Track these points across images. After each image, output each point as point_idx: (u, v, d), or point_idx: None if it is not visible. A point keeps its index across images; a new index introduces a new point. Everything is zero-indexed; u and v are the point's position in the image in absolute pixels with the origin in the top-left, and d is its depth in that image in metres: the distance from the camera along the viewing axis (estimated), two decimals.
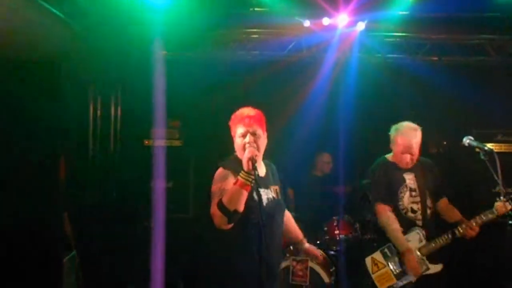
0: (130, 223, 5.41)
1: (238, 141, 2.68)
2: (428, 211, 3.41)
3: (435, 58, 5.49)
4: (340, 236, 4.71)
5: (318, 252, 3.23)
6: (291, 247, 4.50)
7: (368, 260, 3.44)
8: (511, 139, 5.23)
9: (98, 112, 5.66)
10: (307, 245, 3.14)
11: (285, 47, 5.53)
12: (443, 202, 3.54)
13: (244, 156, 2.51)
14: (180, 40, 5.46)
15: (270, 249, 2.57)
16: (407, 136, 3.39)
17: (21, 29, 3.80)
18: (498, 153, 5.05)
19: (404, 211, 3.39)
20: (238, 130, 2.69)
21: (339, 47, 5.29)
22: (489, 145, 5.04)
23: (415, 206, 3.39)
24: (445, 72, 5.29)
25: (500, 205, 3.12)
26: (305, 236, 3.15)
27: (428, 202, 3.42)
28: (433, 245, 3.30)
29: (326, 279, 4.25)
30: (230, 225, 2.52)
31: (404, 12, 5.06)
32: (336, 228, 4.73)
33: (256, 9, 5.15)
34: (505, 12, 4.87)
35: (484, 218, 3.21)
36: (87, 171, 5.46)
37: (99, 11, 4.82)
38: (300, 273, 4.20)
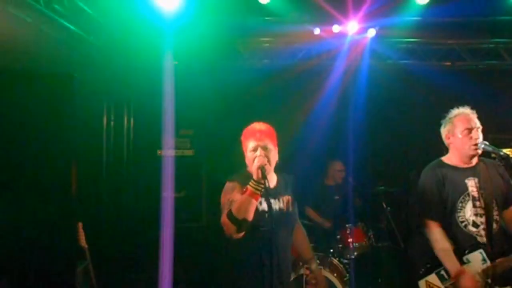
0: (144, 233, 5.42)
1: (249, 155, 2.70)
2: (495, 226, 2.87)
3: (448, 63, 5.45)
4: (354, 244, 4.65)
5: (321, 280, 3.21)
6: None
7: (422, 283, 2.98)
8: None
9: (112, 124, 5.73)
10: (314, 266, 3.14)
11: (295, 55, 5.56)
12: (509, 212, 2.97)
13: (254, 165, 2.54)
14: (192, 50, 5.54)
15: (278, 258, 2.56)
16: (467, 114, 2.94)
17: (36, 43, 3.89)
18: None
19: (463, 224, 2.88)
20: (249, 145, 2.71)
21: (350, 54, 5.29)
22: (505, 151, 5.10)
23: (478, 220, 2.87)
24: (459, 77, 5.23)
25: None
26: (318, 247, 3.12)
27: (495, 214, 2.88)
28: (501, 265, 2.79)
29: (340, 287, 4.20)
30: (241, 234, 2.55)
31: (416, 18, 5.05)
32: (350, 236, 4.68)
33: (266, 18, 5.20)
34: None
35: None
36: (102, 182, 5.52)
37: (113, 25, 4.93)
38: (314, 281, 4.14)
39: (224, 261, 2.87)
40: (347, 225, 4.73)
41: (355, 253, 4.65)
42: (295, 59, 5.55)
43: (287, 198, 2.79)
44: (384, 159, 5.38)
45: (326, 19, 5.09)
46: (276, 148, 2.76)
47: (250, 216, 2.51)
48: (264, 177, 2.49)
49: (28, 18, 3.70)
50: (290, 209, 2.79)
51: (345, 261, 4.62)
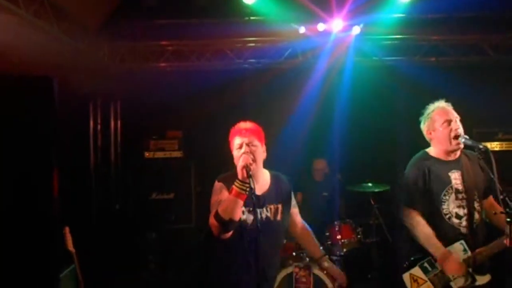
0: (132, 235, 5.41)
1: (235, 153, 2.68)
2: (476, 216, 2.93)
3: (433, 59, 5.50)
4: (342, 240, 4.67)
5: (338, 273, 3.17)
6: (294, 253, 4.48)
7: (406, 277, 3.00)
8: (511, 137, 5.17)
9: (99, 126, 5.70)
10: (326, 264, 3.11)
11: (281, 54, 5.57)
12: (488, 202, 3.05)
13: (238, 165, 2.52)
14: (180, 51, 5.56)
15: (263, 264, 2.54)
16: (444, 108, 2.98)
17: (17, 46, 3.87)
18: (499, 151, 5.18)
19: (447, 216, 2.92)
20: (235, 142, 2.69)
21: (335, 52, 5.32)
22: (490, 144, 5.17)
23: (461, 211, 2.92)
24: (443, 72, 5.28)
25: None
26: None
27: (476, 205, 2.94)
28: (481, 255, 2.85)
29: (330, 285, 4.20)
30: (229, 234, 2.54)
31: (400, 15, 5.09)
32: (338, 233, 4.69)
33: (251, 18, 5.21)
34: (500, 10, 4.88)
35: None
36: (89, 185, 5.49)
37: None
38: (304, 279, 4.14)
39: (213, 262, 2.86)
40: (335, 222, 4.74)
41: (344, 250, 4.65)
42: (281, 57, 5.56)
43: (275, 206, 2.74)
44: (371, 156, 5.39)
45: (311, 18, 5.11)
46: (264, 146, 2.73)
47: (237, 217, 2.50)
48: (250, 176, 2.47)
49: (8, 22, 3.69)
50: (278, 218, 2.74)
51: (335, 258, 4.63)
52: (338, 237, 4.67)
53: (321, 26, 5.17)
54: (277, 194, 2.79)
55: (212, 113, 5.50)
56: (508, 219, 2.58)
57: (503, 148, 5.21)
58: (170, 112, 5.71)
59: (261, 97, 5.52)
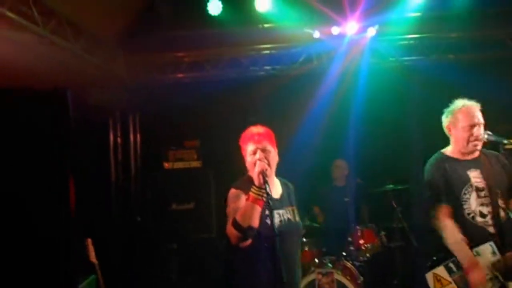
0: (153, 246, 5.42)
1: (249, 159, 2.67)
2: (502, 214, 2.83)
3: (452, 57, 5.36)
4: (366, 245, 4.57)
5: None
6: (316, 260, 4.41)
7: (429, 276, 2.91)
8: None
9: (118, 140, 5.78)
10: None
11: (296, 59, 5.54)
12: None
13: (255, 171, 2.51)
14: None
15: (286, 267, 2.51)
16: (470, 108, 2.87)
17: (36, 64, 3.97)
18: None
19: (471, 215, 2.82)
20: (248, 148, 2.68)
21: (350, 54, 5.26)
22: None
23: (484, 209, 2.82)
24: (462, 69, 5.14)
25: None
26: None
27: (501, 203, 2.84)
28: (511, 259, 2.73)
29: None
30: (247, 242, 2.51)
31: (415, 14, 5.01)
32: (361, 238, 4.60)
33: (265, 25, 5.22)
34: None
35: None
36: (111, 198, 5.56)
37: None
38: (327, 286, 4.08)
39: (232, 270, 2.83)
40: (357, 227, 4.65)
41: (368, 255, 4.56)
42: (296, 63, 5.54)
43: (292, 208, 2.76)
44: (389, 157, 5.28)
45: (325, 21, 5.09)
46: (276, 150, 2.72)
47: (256, 223, 2.47)
48: (266, 182, 2.46)
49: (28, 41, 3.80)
50: (297, 218, 2.76)
51: (358, 263, 4.53)
52: (361, 242, 4.59)
53: (335, 30, 5.14)
54: (289, 197, 2.81)
55: (228, 121, 5.51)
56: None
57: None
58: (188, 122, 5.75)
59: (277, 102, 5.48)
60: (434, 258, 2.93)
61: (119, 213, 5.57)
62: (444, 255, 2.87)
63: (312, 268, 4.21)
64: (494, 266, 2.75)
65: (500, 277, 2.74)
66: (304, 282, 4.13)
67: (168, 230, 5.42)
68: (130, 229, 5.54)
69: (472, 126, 2.86)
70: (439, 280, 2.88)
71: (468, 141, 2.87)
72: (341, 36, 5.18)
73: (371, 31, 5.12)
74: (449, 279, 2.84)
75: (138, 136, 6.01)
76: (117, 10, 4.76)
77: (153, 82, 5.70)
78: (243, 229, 2.44)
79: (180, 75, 5.69)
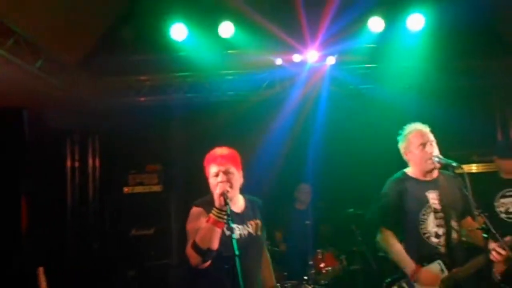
0: (112, 274, 5.22)
1: (211, 181, 2.66)
2: (454, 235, 2.94)
3: (405, 84, 5.59)
4: (327, 269, 4.59)
5: None
6: (278, 285, 4.37)
7: None
8: (485, 159, 5.23)
9: (76, 163, 5.60)
10: None
11: (259, 85, 5.63)
12: (467, 222, 3.06)
13: (216, 193, 2.49)
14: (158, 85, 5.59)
15: (247, 284, 2.49)
16: (419, 131, 3.04)
17: None
18: (474, 173, 5.25)
19: (426, 235, 2.92)
20: (211, 170, 2.67)
21: (311, 81, 5.42)
22: (468, 166, 5.24)
23: (440, 230, 2.93)
24: (418, 97, 5.39)
25: None
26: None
27: (454, 224, 2.96)
28: (457, 275, 2.84)
29: None
30: (207, 264, 2.48)
31: (372, 45, 5.24)
32: (322, 261, 4.63)
33: (229, 51, 5.30)
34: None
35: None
36: (66, 224, 5.33)
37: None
38: None
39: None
40: (318, 250, 4.68)
41: (328, 278, 4.58)
42: (259, 88, 5.63)
43: (255, 222, 2.74)
44: (350, 181, 5.40)
45: (286, 49, 5.23)
46: (240, 172, 2.73)
47: (215, 245, 2.44)
48: (227, 203, 2.45)
49: None
50: (259, 233, 2.74)
51: (318, 287, 4.54)
52: (322, 265, 4.62)
53: (297, 57, 5.30)
54: (254, 212, 2.79)
55: (190, 145, 5.48)
56: (485, 235, 2.60)
57: (479, 170, 5.28)
58: (150, 146, 5.67)
59: (239, 127, 5.51)
60: (389, 279, 3.01)
61: (75, 240, 5.35)
62: (398, 276, 2.96)
63: None
64: (443, 283, 2.86)
65: None
66: None
67: (127, 256, 5.26)
68: (87, 256, 5.31)
69: (424, 144, 2.99)
70: None
71: (424, 160, 2.98)
72: (302, 63, 5.34)
73: (331, 60, 5.32)
74: None
75: (97, 159, 5.86)
76: (79, 32, 4.71)
77: (115, 105, 5.61)
78: (202, 252, 2.41)
79: (142, 99, 5.64)
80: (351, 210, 4.88)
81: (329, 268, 4.61)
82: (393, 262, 2.99)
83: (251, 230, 2.69)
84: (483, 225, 2.61)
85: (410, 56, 5.37)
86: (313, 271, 4.65)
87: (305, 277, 4.60)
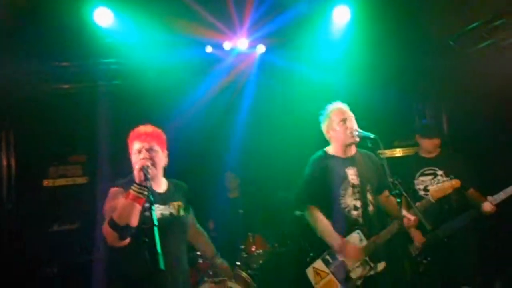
0: (32, 272, 4.83)
1: (133, 158, 2.59)
2: (370, 207, 3.15)
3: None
4: (258, 251, 4.61)
5: (227, 267, 3.24)
6: (210, 272, 4.30)
7: (309, 271, 3.12)
8: (406, 144, 5.58)
9: None
10: (219, 260, 3.18)
11: (187, 73, 5.49)
12: (383, 196, 3.30)
13: (135, 168, 2.42)
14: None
15: (169, 261, 2.40)
16: (340, 108, 3.22)
17: None
18: (397, 157, 5.55)
19: (346, 209, 3.10)
20: (134, 147, 2.61)
21: (240, 68, 5.41)
22: (389, 151, 5.56)
23: (358, 203, 3.12)
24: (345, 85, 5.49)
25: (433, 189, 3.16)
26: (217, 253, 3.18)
27: (370, 197, 3.16)
28: (375, 242, 3.04)
29: None
30: (124, 242, 2.39)
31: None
32: (253, 244, 4.64)
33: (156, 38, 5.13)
34: None
35: (419, 207, 3.12)
36: None
37: None
38: None
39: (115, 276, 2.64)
40: (249, 234, 4.68)
41: (260, 261, 4.60)
42: (187, 77, 5.49)
43: (178, 203, 2.69)
44: (278, 167, 5.43)
45: (217, 36, 5.18)
46: (165, 152, 2.69)
47: (134, 222, 2.35)
48: (147, 179, 2.37)
49: None
50: (182, 213, 2.69)
51: (252, 272, 4.53)
52: (253, 248, 4.63)
53: (227, 45, 5.28)
54: (177, 193, 2.74)
55: (117, 134, 5.22)
56: (398, 200, 2.77)
57: (402, 154, 5.59)
58: (73, 136, 5.36)
59: (166, 114, 5.34)
60: (313, 253, 3.15)
61: None
62: (322, 248, 3.11)
63: (205, 278, 4.09)
64: (363, 251, 3.03)
65: (368, 260, 3.01)
66: None
67: (49, 253, 4.90)
68: (3, 254, 4.88)
69: (345, 120, 3.17)
70: (318, 274, 3.08)
71: (345, 134, 3.16)
72: (232, 50, 5.33)
73: (261, 48, 5.35)
74: (327, 270, 3.07)
75: (13, 153, 5.40)
76: None
77: (33, 93, 5.22)
78: (119, 228, 2.32)
79: (65, 86, 5.30)
80: (281, 194, 4.93)
81: (260, 251, 4.63)
82: (320, 237, 3.11)
83: (173, 211, 2.64)
84: (396, 191, 2.77)
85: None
86: (245, 255, 4.64)
87: (238, 263, 4.58)
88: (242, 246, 4.68)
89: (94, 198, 5.23)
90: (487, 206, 3.75)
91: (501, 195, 3.76)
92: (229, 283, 4.02)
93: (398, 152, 5.61)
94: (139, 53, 5.16)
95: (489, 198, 3.78)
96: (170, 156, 2.74)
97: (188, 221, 2.80)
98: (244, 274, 4.41)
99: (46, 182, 5.16)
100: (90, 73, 5.32)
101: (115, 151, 5.17)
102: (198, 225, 3.05)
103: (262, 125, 5.42)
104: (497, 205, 3.76)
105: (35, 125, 5.25)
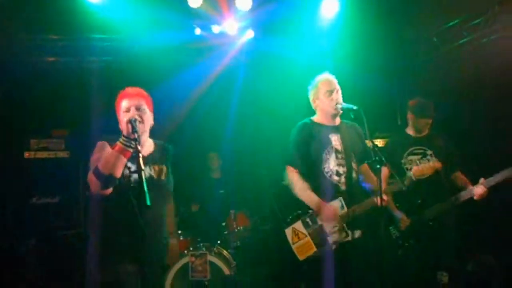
0: (12, 244, 4.77)
1: (122, 117, 2.59)
2: (354, 174, 3.18)
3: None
4: (239, 228, 4.66)
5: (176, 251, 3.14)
6: (191, 248, 4.34)
7: (288, 231, 3.15)
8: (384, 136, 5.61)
9: None
10: (172, 241, 3.03)
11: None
12: (364, 167, 3.34)
13: (123, 121, 2.47)
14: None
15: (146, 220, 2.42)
16: (328, 79, 3.26)
17: None
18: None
19: (328, 174, 3.13)
20: (122, 105, 2.62)
21: (229, 53, 5.46)
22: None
23: (340, 169, 3.14)
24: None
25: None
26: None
27: (353, 165, 3.19)
28: (354, 211, 3.08)
29: (226, 271, 4.15)
30: (107, 191, 2.44)
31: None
32: (234, 221, 4.69)
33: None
34: None
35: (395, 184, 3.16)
36: None
37: None
38: (200, 268, 4.04)
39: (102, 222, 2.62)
40: (231, 211, 4.73)
41: (241, 238, 4.65)
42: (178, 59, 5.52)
43: (159, 167, 2.70)
44: (264, 145, 5.50)
45: (206, 20, 5.22)
46: (152, 114, 2.70)
47: (118, 173, 2.40)
48: (135, 131, 2.39)
49: None
50: (162, 177, 2.70)
51: (232, 251, 4.59)
52: (234, 225, 4.68)
53: (216, 28, 5.32)
54: (162, 156, 2.76)
55: (104, 112, 5.21)
56: (378, 166, 2.84)
57: (381, 145, 5.71)
58: (55, 109, 5.30)
59: (153, 95, 5.38)
60: (295, 214, 3.18)
61: None
62: (303, 210, 3.14)
63: (185, 251, 4.14)
64: (342, 218, 3.08)
65: (346, 227, 3.08)
66: (178, 265, 4.04)
67: (28, 226, 4.84)
68: None
69: (331, 91, 3.23)
70: (296, 234, 3.12)
71: (330, 105, 3.22)
72: (221, 34, 5.37)
73: (250, 33, 5.41)
74: (305, 232, 3.11)
75: None
76: None
77: (19, 64, 5.14)
78: (103, 176, 2.36)
79: (51, 59, 5.25)
80: (264, 172, 4.98)
81: (241, 227, 4.68)
82: (299, 200, 3.14)
83: (152, 173, 2.65)
84: (376, 157, 2.85)
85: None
86: (226, 232, 4.69)
87: (219, 241, 4.63)
88: (224, 223, 4.73)
89: (76, 173, 5.23)
90: (480, 188, 3.62)
91: (498, 177, 3.56)
92: (209, 257, 4.08)
93: (379, 143, 5.74)
94: (129, 31, 5.18)
95: (482, 180, 3.64)
96: (155, 135, 2.77)
97: (168, 187, 2.80)
98: (224, 251, 4.47)
99: (27, 154, 5.08)
100: (79, 48, 5.29)
101: (101, 129, 5.16)
102: (172, 199, 2.99)
103: (246, 107, 5.49)
104: (489, 189, 3.62)
105: (18, 96, 5.19)
